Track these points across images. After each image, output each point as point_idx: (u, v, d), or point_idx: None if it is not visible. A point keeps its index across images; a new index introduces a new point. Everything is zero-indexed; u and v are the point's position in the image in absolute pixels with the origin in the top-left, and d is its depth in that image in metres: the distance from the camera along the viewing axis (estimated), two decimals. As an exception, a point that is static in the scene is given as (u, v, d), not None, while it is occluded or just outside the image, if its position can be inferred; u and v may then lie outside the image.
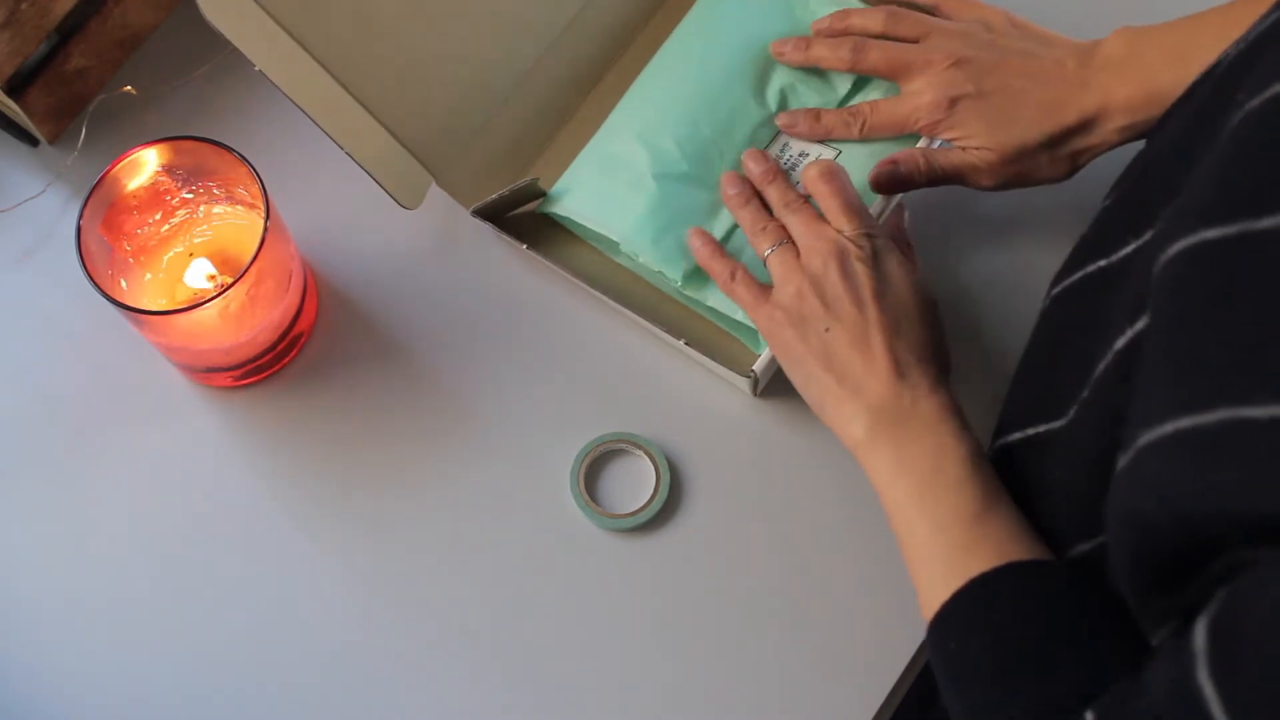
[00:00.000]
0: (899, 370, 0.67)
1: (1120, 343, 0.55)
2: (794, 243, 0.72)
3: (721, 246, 0.75)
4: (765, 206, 0.75)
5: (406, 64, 0.78)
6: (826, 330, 0.68)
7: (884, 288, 0.69)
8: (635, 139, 0.80)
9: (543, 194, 0.81)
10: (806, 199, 0.74)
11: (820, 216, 0.72)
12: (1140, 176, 0.62)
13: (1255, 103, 0.48)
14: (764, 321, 0.71)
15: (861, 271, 0.69)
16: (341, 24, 0.76)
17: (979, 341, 0.80)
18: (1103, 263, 0.60)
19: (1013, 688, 0.58)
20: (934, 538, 0.64)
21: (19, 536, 0.77)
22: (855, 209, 0.72)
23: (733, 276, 0.73)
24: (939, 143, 0.77)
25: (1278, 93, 0.47)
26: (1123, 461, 0.50)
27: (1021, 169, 0.74)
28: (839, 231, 0.71)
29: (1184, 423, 0.45)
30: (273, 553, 0.77)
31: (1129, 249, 0.58)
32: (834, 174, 0.73)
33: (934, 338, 0.69)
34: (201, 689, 0.74)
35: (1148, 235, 0.56)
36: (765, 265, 0.73)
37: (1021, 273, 0.80)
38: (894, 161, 0.76)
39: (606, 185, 0.79)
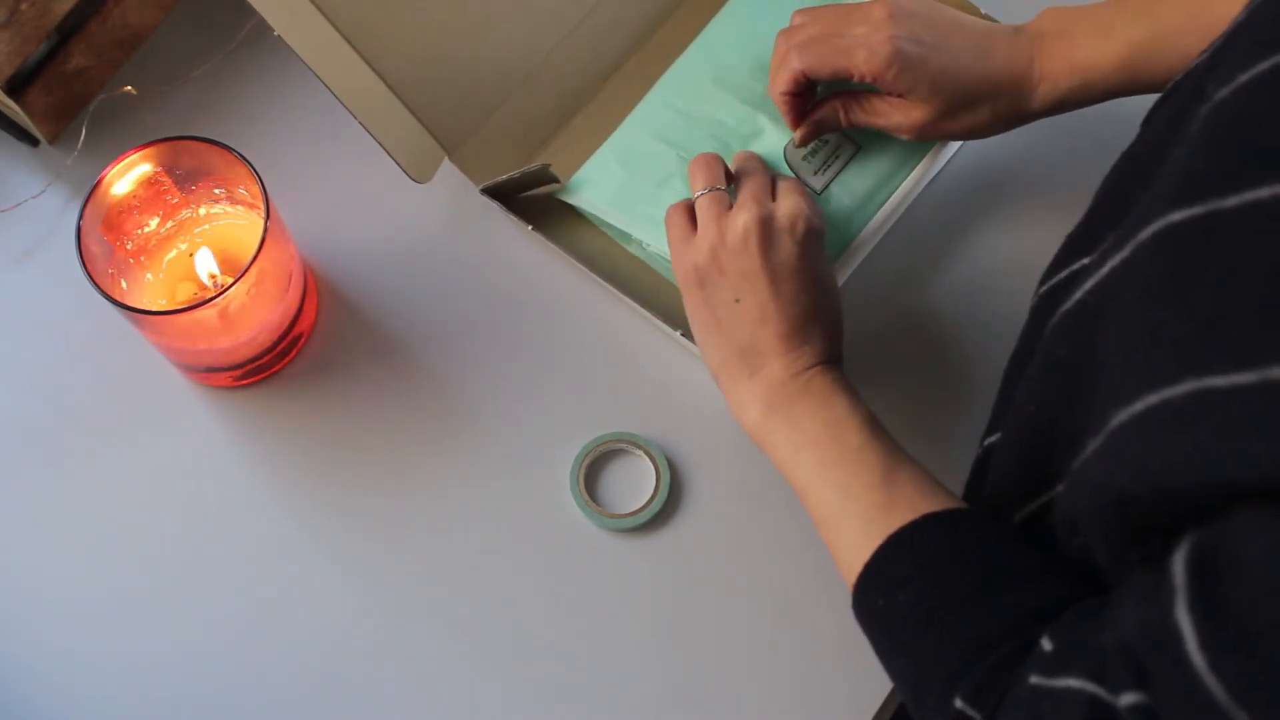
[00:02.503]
0: (798, 350, 0.68)
1: None
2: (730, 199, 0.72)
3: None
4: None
5: (427, 38, 0.78)
6: (736, 301, 0.69)
7: (804, 264, 0.69)
8: (664, 139, 0.80)
9: (553, 179, 0.81)
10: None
11: (769, 186, 0.72)
12: (1122, 173, 0.63)
13: (1224, 93, 0.49)
14: (679, 271, 0.71)
15: (786, 246, 0.69)
16: None
17: (970, 340, 0.80)
18: (1086, 260, 0.60)
19: (950, 629, 0.58)
20: (845, 505, 0.64)
21: (18, 535, 0.77)
22: (800, 188, 0.72)
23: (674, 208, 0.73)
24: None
25: (1243, 82, 0.48)
26: (1094, 445, 0.50)
27: (944, 126, 0.75)
28: (779, 202, 0.71)
29: (1153, 398, 0.46)
30: (273, 552, 0.77)
31: (1108, 244, 0.58)
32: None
33: (835, 314, 0.71)
34: (201, 686, 0.74)
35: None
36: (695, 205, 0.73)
37: (1013, 271, 0.80)
38: (815, 122, 0.77)
39: (632, 182, 0.80)
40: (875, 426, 0.67)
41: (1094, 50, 0.72)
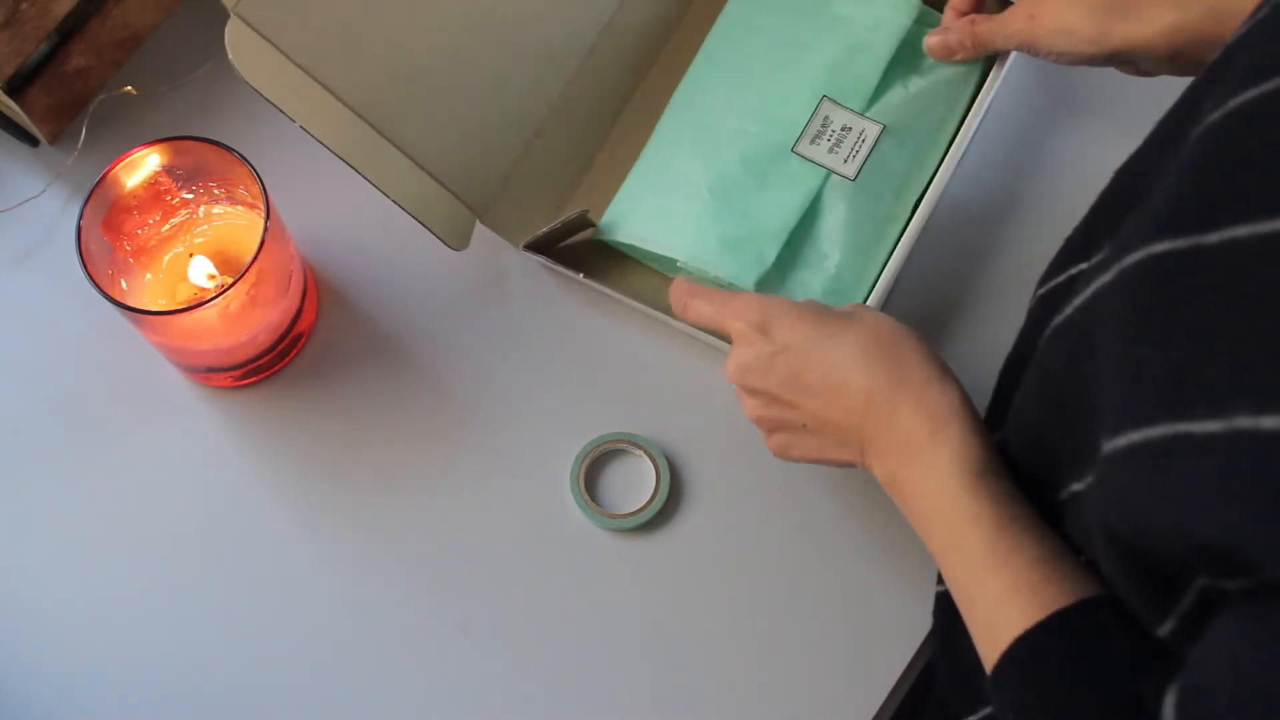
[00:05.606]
0: (874, 434, 0.65)
1: None
2: None
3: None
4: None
5: (438, 104, 0.78)
6: (804, 427, 0.68)
7: (804, 365, 0.66)
8: (686, 154, 0.79)
9: (591, 224, 0.79)
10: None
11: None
12: (1121, 181, 0.62)
13: (1215, 116, 0.48)
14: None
15: (767, 367, 0.67)
16: (373, 72, 0.75)
17: (967, 340, 0.80)
18: (1084, 265, 0.60)
19: None
20: (964, 592, 0.61)
21: (19, 536, 0.77)
22: (719, 310, 0.69)
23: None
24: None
25: (1234, 107, 0.47)
26: (1093, 466, 0.50)
27: (1111, 31, 0.70)
28: (734, 348, 0.69)
29: (1135, 436, 0.46)
30: (272, 552, 0.77)
31: (1105, 254, 0.58)
32: (690, 294, 0.71)
33: (871, 370, 0.65)
34: (201, 686, 0.74)
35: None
36: None
37: (1010, 273, 0.80)
38: (943, 29, 0.79)
39: (663, 203, 0.79)
40: (984, 483, 0.62)
41: None
